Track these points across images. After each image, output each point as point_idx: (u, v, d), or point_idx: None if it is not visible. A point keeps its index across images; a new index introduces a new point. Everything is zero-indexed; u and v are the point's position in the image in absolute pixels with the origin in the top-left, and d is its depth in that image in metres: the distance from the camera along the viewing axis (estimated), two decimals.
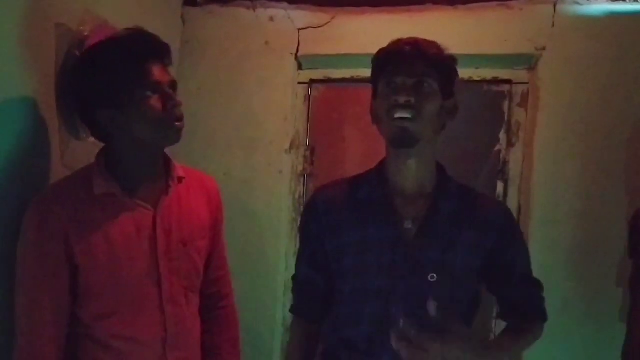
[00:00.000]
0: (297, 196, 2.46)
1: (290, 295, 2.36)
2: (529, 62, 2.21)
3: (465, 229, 1.33)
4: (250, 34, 2.40)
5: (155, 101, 1.34)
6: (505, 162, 2.28)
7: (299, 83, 2.44)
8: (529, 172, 2.20)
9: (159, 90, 1.35)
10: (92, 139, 1.66)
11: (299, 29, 2.36)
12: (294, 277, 1.54)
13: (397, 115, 1.26)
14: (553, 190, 2.14)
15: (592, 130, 2.11)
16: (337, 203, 1.40)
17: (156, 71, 1.35)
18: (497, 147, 2.29)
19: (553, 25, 2.14)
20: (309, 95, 2.46)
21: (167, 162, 1.48)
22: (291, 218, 2.45)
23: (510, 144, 2.27)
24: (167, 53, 1.40)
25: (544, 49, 2.15)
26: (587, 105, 2.11)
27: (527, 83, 2.25)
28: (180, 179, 1.48)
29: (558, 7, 2.13)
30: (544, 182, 2.15)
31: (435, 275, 1.28)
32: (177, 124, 1.37)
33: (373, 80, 1.36)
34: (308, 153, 2.47)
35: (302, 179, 2.47)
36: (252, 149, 2.41)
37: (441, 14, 2.22)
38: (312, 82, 2.45)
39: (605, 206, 2.10)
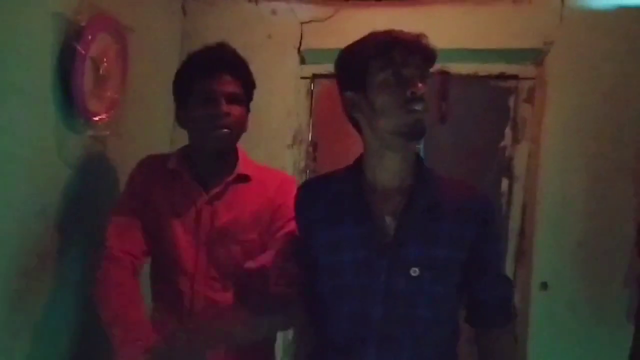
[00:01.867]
0: None
1: None
2: (536, 57, 2.18)
3: (447, 221, 1.31)
4: (252, 27, 2.38)
5: (203, 107, 1.53)
6: (511, 159, 2.25)
7: (302, 78, 2.41)
8: (535, 169, 2.17)
9: (211, 99, 1.53)
10: (90, 133, 1.66)
11: (302, 23, 2.34)
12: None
13: (415, 108, 1.23)
14: (559, 187, 2.11)
15: (600, 126, 2.08)
16: (316, 199, 1.40)
17: (214, 82, 1.53)
18: (503, 144, 2.26)
19: (561, 20, 2.11)
20: (312, 90, 2.43)
21: (234, 163, 1.63)
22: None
23: (516, 141, 2.24)
24: (236, 66, 1.61)
25: (551, 43, 2.12)
26: (595, 101, 2.08)
27: (534, 78, 2.21)
28: (240, 177, 1.61)
29: (566, 0, 2.10)
30: (550, 180, 2.12)
31: (417, 270, 1.27)
32: (217, 131, 1.53)
33: (360, 69, 1.30)
34: (310, 149, 2.44)
35: (304, 175, 2.44)
36: (254, 144, 2.34)
37: (447, 8, 2.19)
38: (315, 76, 2.42)
39: (613, 204, 2.07)
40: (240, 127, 1.60)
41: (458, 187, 1.37)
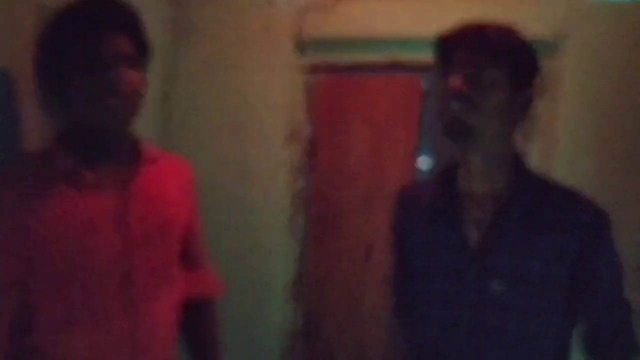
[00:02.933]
0: (296, 191, 2.37)
1: (288, 297, 2.36)
2: (549, 49, 2.11)
3: (544, 232, 1.23)
4: (248, 17, 2.33)
5: (103, 77, 1.20)
6: (524, 154, 2.16)
7: (300, 70, 2.35)
8: (548, 164, 2.11)
9: (112, 64, 1.20)
10: None
11: (300, 13, 2.28)
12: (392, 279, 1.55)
13: (451, 106, 1.18)
14: (573, 182, 2.02)
15: (615, 120, 2.04)
16: (412, 204, 1.39)
17: (112, 43, 1.21)
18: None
19: (574, 12, 2.07)
20: (311, 83, 2.37)
21: (134, 143, 1.35)
22: (290, 214, 2.37)
23: (528, 135, 2.16)
24: (132, 24, 1.26)
25: (564, 36, 2.08)
26: (609, 95, 2.04)
27: (546, 71, 2.13)
28: (152, 161, 1.35)
29: None
30: (564, 174, 2.04)
31: (501, 282, 1.21)
32: (108, 100, 1.21)
33: (438, 69, 1.28)
34: (308, 145, 2.38)
35: (301, 173, 2.38)
36: (249, 140, 2.37)
37: None
38: (314, 69, 2.35)
39: (627, 199, 2.01)
40: (139, 96, 1.29)
41: (564, 195, 1.28)
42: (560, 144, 2.09)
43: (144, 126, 2.07)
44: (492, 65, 1.17)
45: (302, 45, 2.31)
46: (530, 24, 2.04)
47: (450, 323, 1.26)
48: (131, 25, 1.26)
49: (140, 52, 1.27)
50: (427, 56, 1.36)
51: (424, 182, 1.46)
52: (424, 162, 2.96)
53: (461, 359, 1.25)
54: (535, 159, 2.15)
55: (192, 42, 2.35)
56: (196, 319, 1.52)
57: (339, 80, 2.35)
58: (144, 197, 1.31)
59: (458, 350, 1.26)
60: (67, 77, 1.22)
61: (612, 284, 1.27)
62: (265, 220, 2.33)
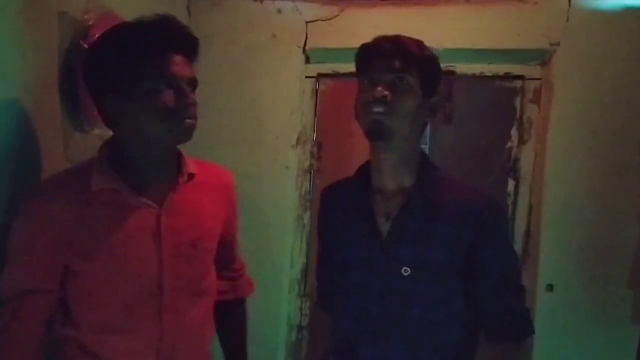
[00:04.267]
0: (303, 192, 2.43)
1: (295, 292, 2.41)
2: (543, 57, 2.17)
3: (443, 223, 1.32)
4: (257, 26, 2.37)
5: (167, 95, 1.24)
6: (517, 160, 2.23)
7: (307, 77, 2.40)
8: (540, 170, 2.15)
9: (175, 85, 1.25)
10: (96, 131, 1.64)
11: (307, 22, 2.33)
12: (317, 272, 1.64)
13: (373, 109, 1.29)
14: (565, 189, 2.10)
15: (607, 128, 2.06)
16: (333, 200, 1.51)
17: (175, 64, 1.26)
18: (509, 144, 2.25)
19: (568, 20, 2.09)
20: (317, 90, 2.42)
21: (179, 158, 1.39)
22: (297, 214, 2.42)
23: (521, 141, 2.22)
24: (193, 47, 1.31)
25: (558, 44, 2.11)
26: (601, 102, 2.06)
27: (540, 79, 2.20)
28: (190, 176, 1.38)
29: (573, 0, 2.09)
30: (556, 181, 2.11)
31: (408, 269, 1.30)
32: (187, 121, 1.27)
33: (357, 75, 1.39)
34: (315, 148, 2.43)
35: (308, 175, 2.43)
36: (258, 143, 2.38)
37: (453, 8, 2.18)
38: (320, 76, 2.41)
39: (619, 206, 2.05)
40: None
41: (461, 189, 1.38)
42: (553, 150, 2.10)
43: None
44: (409, 73, 1.29)
45: (308, 54, 2.36)
46: (524, 32, 2.13)
47: (362, 311, 1.34)
48: (195, 50, 1.32)
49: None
50: None
51: (345, 181, 1.52)
52: None
53: (371, 345, 1.33)
54: (529, 164, 2.20)
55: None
56: (228, 317, 1.59)
57: (343, 87, 2.41)
58: (179, 212, 1.34)
59: (369, 337, 1.33)
60: (134, 96, 1.23)
61: (503, 271, 1.34)
62: (274, 220, 2.36)
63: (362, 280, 1.36)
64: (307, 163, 2.43)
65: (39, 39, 1.46)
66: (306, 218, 2.43)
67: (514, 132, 2.24)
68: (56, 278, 1.28)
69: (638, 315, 1.99)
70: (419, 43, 1.34)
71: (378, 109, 1.28)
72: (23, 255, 1.27)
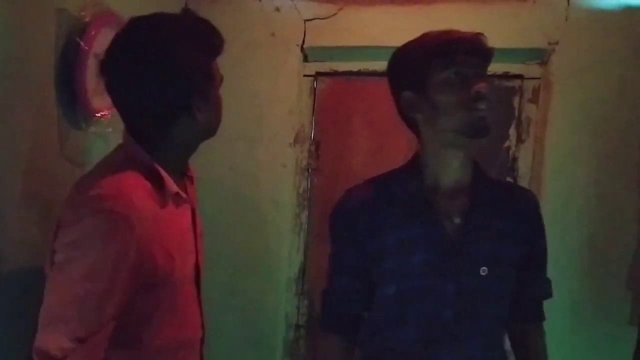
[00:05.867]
0: (301, 191, 2.43)
1: (293, 291, 2.41)
2: (542, 56, 2.17)
3: (508, 218, 1.34)
4: (255, 24, 2.37)
5: (219, 96, 1.34)
6: (515, 159, 2.23)
7: (305, 75, 2.40)
8: (539, 170, 2.16)
9: (217, 86, 1.33)
10: (93, 129, 1.64)
11: (306, 20, 2.32)
12: (327, 291, 1.45)
13: (479, 106, 1.25)
14: (564, 188, 2.10)
15: (605, 127, 2.06)
16: (372, 204, 1.36)
17: (216, 67, 1.32)
18: (507, 144, 2.25)
19: (567, 19, 2.09)
20: (315, 88, 2.42)
21: None
22: (295, 213, 2.42)
23: (520, 141, 2.23)
24: (223, 47, 1.33)
25: (557, 43, 2.11)
26: (600, 101, 2.06)
27: (539, 78, 2.20)
28: (192, 174, 1.44)
29: (572, 0, 2.09)
30: (555, 180, 2.11)
31: (486, 269, 1.29)
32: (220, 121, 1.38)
33: (421, 68, 1.30)
34: (313, 147, 2.43)
35: (306, 174, 2.43)
36: (256, 142, 2.39)
37: (451, 6, 2.17)
38: (318, 74, 2.41)
39: (617, 206, 2.06)
40: None
41: (509, 186, 1.47)
42: (552, 150, 2.11)
43: None
44: (487, 65, 1.30)
45: (307, 52, 2.36)
46: (524, 31, 2.13)
47: (434, 317, 1.28)
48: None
49: None
50: None
51: (371, 183, 1.42)
52: None
53: (449, 349, 1.29)
54: (527, 164, 2.20)
55: None
56: None
57: (342, 85, 2.41)
58: (195, 207, 1.39)
59: (445, 342, 1.29)
60: (192, 94, 1.24)
61: (546, 258, 1.44)
62: (272, 219, 2.36)
63: (430, 285, 1.29)
64: (305, 162, 2.43)
65: (36, 35, 1.45)
66: (304, 217, 2.43)
67: (512, 131, 2.24)
68: (130, 285, 1.14)
69: (636, 315, 1.99)
70: (482, 35, 1.33)
71: (482, 105, 1.26)
72: (109, 271, 1.10)
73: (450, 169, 1.34)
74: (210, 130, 1.36)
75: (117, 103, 1.27)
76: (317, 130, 2.44)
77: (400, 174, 1.40)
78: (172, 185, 1.25)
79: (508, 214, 1.35)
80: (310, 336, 2.41)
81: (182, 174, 1.38)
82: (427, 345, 1.30)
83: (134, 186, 1.16)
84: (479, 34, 1.29)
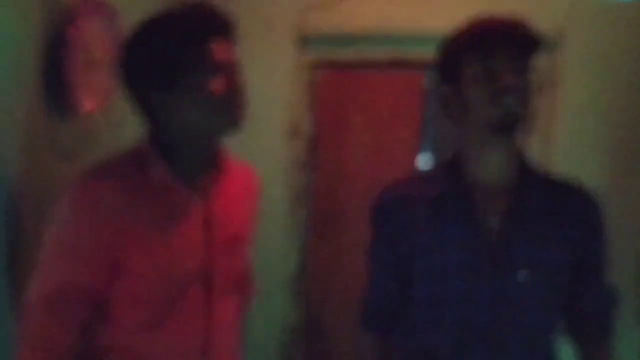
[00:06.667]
0: (297, 186, 2.39)
1: (289, 291, 2.36)
2: (549, 47, 2.10)
3: (555, 221, 1.27)
4: (250, 13, 2.30)
5: (216, 84, 1.20)
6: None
7: (302, 67, 2.35)
8: (546, 161, 2.12)
9: (222, 71, 1.21)
10: (80, 122, 1.63)
11: (302, 9, 2.28)
12: (365, 289, 1.42)
13: (506, 100, 1.19)
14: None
15: (614, 120, 2.05)
16: (408, 202, 1.32)
17: (219, 50, 1.20)
18: None
19: (573, 9, 2.09)
20: (312, 80, 2.37)
21: (217, 151, 1.35)
22: (290, 210, 2.39)
23: (527, 133, 2.18)
24: (232, 29, 1.25)
25: (563, 33, 2.09)
26: (608, 93, 2.06)
27: (545, 70, 2.16)
28: (228, 170, 1.36)
29: None
30: (562, 172, 2.06)
31: (525, 273, 1.22)
32: (237, 110, 1.25)
33: (454, 63, 1.26)
34: (310, 141, 2.39)
35: (302, 169, 2.39)
36: (251, 136, 2.31)
37: None
38: (315, 65, 2.36)
39: (627, 201, 2.04)
40: None
41: (565, 185, 1.33)
42: (559, 141, 2.10)
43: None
44: (526, 56, 1.22)
45: (304, 42, 2.31)
46: (531, 21, 2.07)
47: (468, 321, 1.25)
48: (233, 32, 1.26)
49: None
50: (429, 53, 1.39)
51: (409, 181, 1.41)
52: (424, 160, 2.98)
53: (480, 356, 1.25)
54: (534, 155, 2.13)
55: None
56: None
57: (340, 77, 2.36)
58: (223, 205, 1.32)
59: (479, 349, 1.25)
60: (177, 86, 1.20)
61: (603, 269, 1.32)
62: (267, 216, 2.30)
63: (465, 288, 1.25)
64: (301, 156, 2.38)
65: (21, 22, 1.41)
66: (301, 215, 2.39)
67: None
68: (103, 272, 1.20)
69: None
70: (525, 21, 1.24)
71: (509, 99, 1.19)
72: (71, 245, 1.19)
73: (490, 166, 1.27)
74: (202, 124, 1.25)
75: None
76: (313, 123, 2.40)
77: (440, 171, 1.36)
78: (158, 170, 1.23)
79: (557, 215, 1.27)
80: (306, 336, 2.38)
81: (206, 168, 1.31)
82: (461, 351, 1.26)
83: (106, 174, 1.23)
84: (517, 21, 1.22)
